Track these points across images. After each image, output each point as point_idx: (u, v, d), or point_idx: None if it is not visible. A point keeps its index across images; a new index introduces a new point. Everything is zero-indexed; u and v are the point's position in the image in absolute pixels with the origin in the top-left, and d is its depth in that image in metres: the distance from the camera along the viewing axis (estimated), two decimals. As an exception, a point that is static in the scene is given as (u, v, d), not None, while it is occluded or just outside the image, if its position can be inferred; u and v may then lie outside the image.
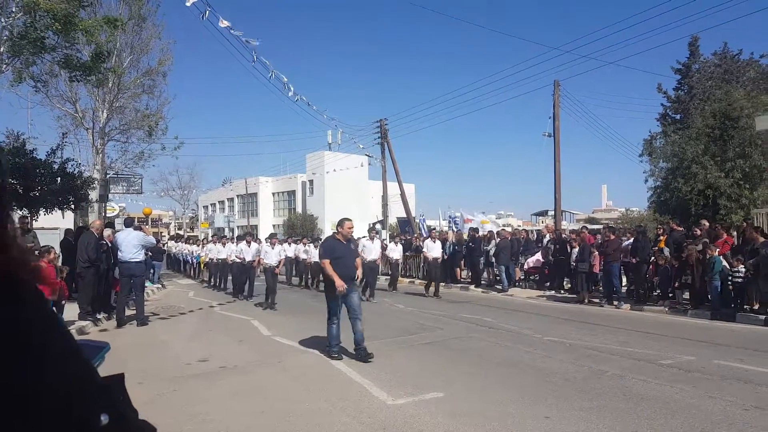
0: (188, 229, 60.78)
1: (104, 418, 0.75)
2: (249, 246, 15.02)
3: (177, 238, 33.24)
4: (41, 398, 0.68)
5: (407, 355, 7.49)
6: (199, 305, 13.77)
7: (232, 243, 17.40)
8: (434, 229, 19.05)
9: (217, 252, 17.90)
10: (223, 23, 13.27)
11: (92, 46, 13.42)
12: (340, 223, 7.54)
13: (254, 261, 14.68)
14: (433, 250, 15.27)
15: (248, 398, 5.58)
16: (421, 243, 19.05)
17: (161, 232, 74.07)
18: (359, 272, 7.53)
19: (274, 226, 47.07)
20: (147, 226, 13.30)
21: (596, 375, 6.17)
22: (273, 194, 53.59)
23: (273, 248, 13.68)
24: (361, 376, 6.31)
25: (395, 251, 17.95)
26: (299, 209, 48.89)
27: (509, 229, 19.21)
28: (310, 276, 18.23)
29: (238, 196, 55.23)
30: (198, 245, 24.20)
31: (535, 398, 5.32)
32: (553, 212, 24.73)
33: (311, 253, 17.34)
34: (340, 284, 6.95)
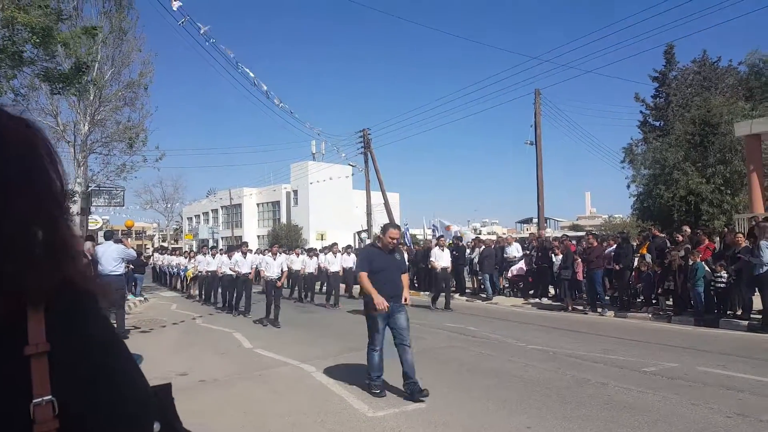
0: (172, 241, 60.11)
1: (157, 426, 0.78)
2: (245, 257, 13.96)
3: (162, 250, 32.33)
4: (99, 401, 0.72)
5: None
6: (182, 318, 13.54)
7: (223, 254, 16.40)
8: (442, 236, 17.75)
9: (206, 264, 16.78)
10: (203, 29, 13.23)
11: (72, 58, 13.26)
12: (384, 230, 6.15)
13: (250, 273, 13.70)
14: (441, 258, 14.17)
15: (228, 412, 5.45)
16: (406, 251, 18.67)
17: (145, 245, 73.28)
18: (406, 293, 6.04)
19: (258, 236, 46.81)
20: (128, 239, 12.99)
21: (579, 383, 6.13)
22: (257, 205, 53.30)
23: (275, 259, 12.52)
24: (341, 388, 6.22)
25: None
26: (284, 219, 48.65)
27: (493, 237, 19.25)
28: (305, 288, 17.31)
29: (222, 207, 54.83)
30: (186, 257, 23.03)
31: (518, 408, 5.26)
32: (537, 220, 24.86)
33: (307, 263, 16.80)
34: (379, 301, 5.62)
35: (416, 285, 17.88)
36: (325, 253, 17.61)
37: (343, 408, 5.48)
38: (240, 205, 52.16)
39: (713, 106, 21.78)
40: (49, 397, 0.67)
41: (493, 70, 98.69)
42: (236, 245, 15.95)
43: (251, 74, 16.60)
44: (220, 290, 15.58)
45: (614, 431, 4.54)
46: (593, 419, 4.87)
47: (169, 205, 55.33)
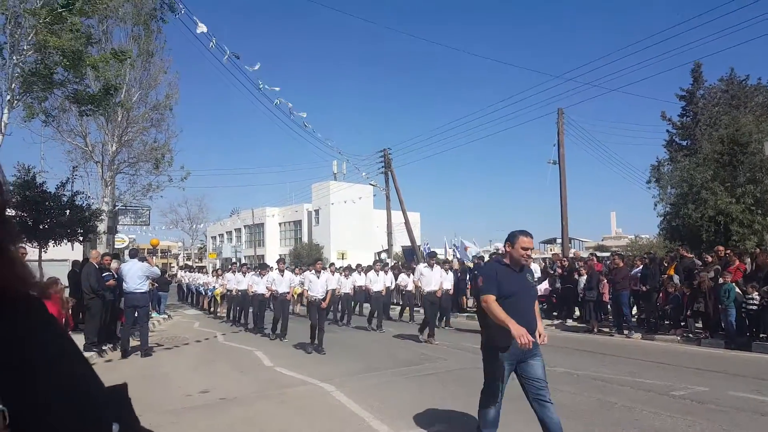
0: (197, 260, 60.91)
1: (116, 428, 0.76)
2: (282, 275, 12.79)
3: (188, 268, 32.51)
4: (52, 406, 0.70)
5: (409, 386, 7.30)
6: (204, 336, 13.64)
7: (254, 272, 15.48)
8: (435, 254, 16.94)
9: (236, 282, 15.85)
10: (227, 55, 13.53)
11: (101, 81, 13.72)
12: (513, 239, 4.33)
13: (288, 293, 12.73)
14: (431, 282, 11.94)
15: (247, 431, 5.43)
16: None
17: (170, 263, 74.41)
18: (540, 326, 4.33)
19: (280, 255, 47.09)
20: (152, 257, 13.12)
21: (605, 407, 5.96)
22: (279, 224, 53.80)
23: (318, 277, 10.99)
24: (362, 408, 6.14)
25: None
26: (305, 239, 48.95)
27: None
28: (339, 310, 16.26)
29: (245, 226, 55.50)
30: (213, 275, 21.98)
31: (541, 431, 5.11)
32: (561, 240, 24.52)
33: (343, 283, 15.53)
34: (521, 333, 3.88)
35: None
36: (362, 272, 17.29)
37: (363, 429, 5.41)
38: (263, 224, 52.74)
39: (742, 124, 21.33)
40: (1, 407, 0.66)
41: (516, 89, 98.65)
42: (263, 264, 15.74)
43: (276, 89, 16.87)
44: (252, 311, 14.79)
45: (642, 457, 4.38)
46: (620, 444, 4.71)
47: (193, 225, 56.24)
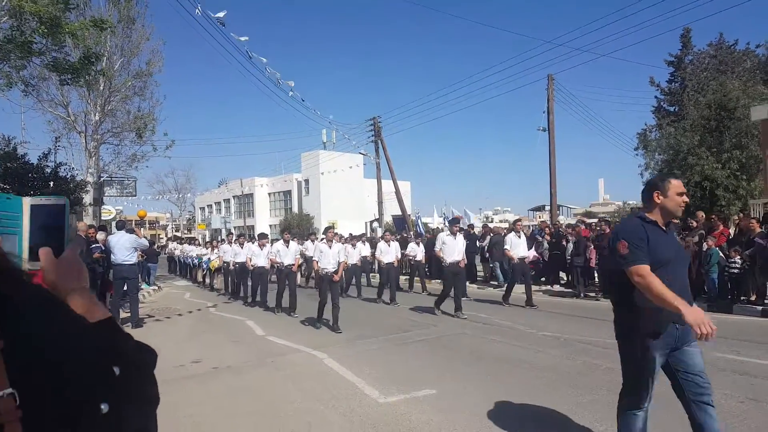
0: (185, 231, 60.68)
1: (104, 407, 0.77)
2: (287, 246, 11.93)
3: (178, 239, 31.88)
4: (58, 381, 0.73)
5: (400, 352, 7.43)
6: (196, 306, 13.72)
7: (252, 243, 14.49)
8: (458, 220, 13.50)
9: (233, 254, 14.96)
10: (219, 15, 13.21)
11: (81, 49, 13.35)
12: (662, 184, 3.23)
13: (294, 265, 11.92)
14: (454, 251, 10.77)
15: (240, 399, 5.52)
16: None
17: (158, 234, 73.94)
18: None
19: (270, 226, 47.06)
20: (140, 229, 12.99)
21: (590, 369, 6.12)
22: (269, 194, 53.55)
23: (330, 248, 9.95)
24: (353, 374, 6.26)
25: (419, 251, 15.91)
26: (295, 209, 48.85)
27: (505, 225, 19.13)
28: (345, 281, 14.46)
29: (234, 197, 55.19)
30: (208, 247, 20.99)
31: (528, 393, 5.27)
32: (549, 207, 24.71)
33: (350, 253, 14.36)
34: (699, 320, 2.95)
35: (428, 273, 17.76)
36: (366, 241, 17.02)
37: (355, 393, 5.52)
38: (252, 194, 52.46)
39: (730, 90, 21.36)
40: (10, 390, 0.68)
41: (506, 55, 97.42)
42: (262, 234, 14.10)
43: (264, 60, 16.51)
44: (251, 284, 13.90)
45: (625, 416, 4.52)
46: (603, 404, 4.85)
47: (181, 195, 55.84)
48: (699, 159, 20.81)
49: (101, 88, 17.71)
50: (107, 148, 19.90)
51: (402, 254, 15.70)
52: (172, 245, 29.12)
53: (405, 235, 21.66)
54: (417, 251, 15.87)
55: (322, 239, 10.43)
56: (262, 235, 13.85)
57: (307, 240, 17.45)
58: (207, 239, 31.57)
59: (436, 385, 5.69)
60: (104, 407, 0.77)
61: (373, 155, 28.04)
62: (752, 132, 19.67)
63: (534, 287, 14.79)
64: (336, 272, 9.71)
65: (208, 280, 19.36)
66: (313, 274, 15.04)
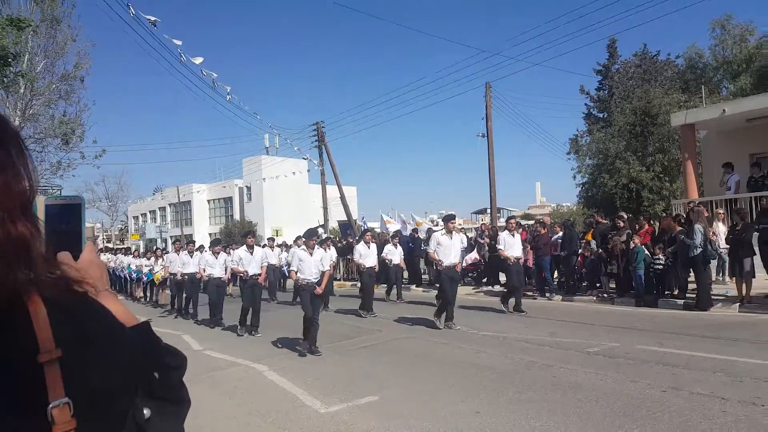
0: (118, 242, 57.94)
1: (147, 412, 0.79)
2: (251, 252, 10.49)
3: (112, 250, 29.63)
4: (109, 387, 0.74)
5: (344, 360, 7.39)
6: (129, 321, 13.08)
7: (207, 251, 12.79)
8: (454, 216, 12.11)
9: (181, 264, 13.16)
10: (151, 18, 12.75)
11: (-2, 49, 12.51)
12: None
13: (260, 275, 10.51)
14: (450, 253, 9.60)
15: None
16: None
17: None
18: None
19: (210, 234, 45.70)
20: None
21: (527, 367, 6.31)
22: (208, 201, 52.01)
23: (312, 255, 8.49)
24: (294, 385, 6.16)
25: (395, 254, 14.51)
26: (237, 216, 47.71)
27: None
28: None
29: (170, 204, 53.19)
30: (150, 257, 18.66)
31: (468, 394, 5.36)
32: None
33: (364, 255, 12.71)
34: None
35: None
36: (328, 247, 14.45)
37: (295, 406, 5.44)
38: (189, 202, 50.75)
39: (652, 97, 22.75)
40: (66, 399, 0.69)
41: (446, 62, 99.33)
42: (216, 240, 13.25)
43: (197, 62, 16.05)
44: (209, 299, 11.91)
45: (558, 411, 4.69)
46: (539, 401, 5.02)
47: (112, 204, 53.29)
48: (626, 163, 22.03)
49: (21, 90, 16.66)
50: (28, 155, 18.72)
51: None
52: (104, 257, 27.25)
53: (351, 240, 21.62)
54: (394, 254, 14.40)
55: (301, 246, 9.08)
56: (216, 242, 12.86)
57: (294, 246, 16.03)
58: (142, 250, 30.17)
59: (380, 391, 5.69)
60: (147, 412, 0.79)
61: (317, 160, 27.83)
62: (673, 137, 21.03)
63: (474, 288, 15.16)
64: (319, 283, 8.33)
65: (149, 295, 17.84)
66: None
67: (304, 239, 9.13)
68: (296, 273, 8.41)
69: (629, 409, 4.61)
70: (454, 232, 9.80)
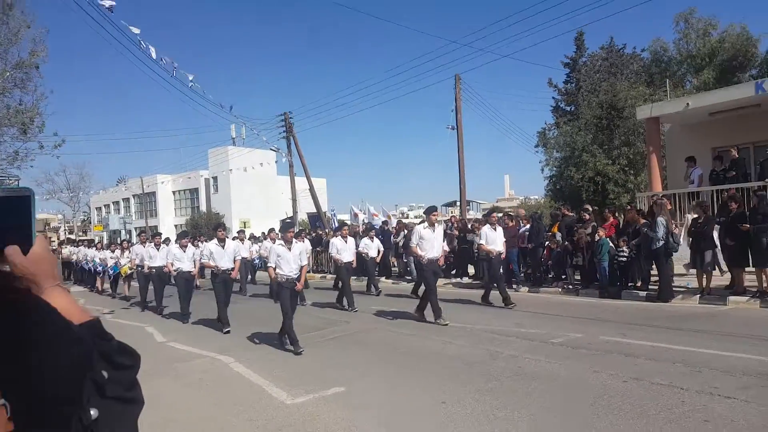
0: (80, 233, 56.28)
1: (94, 413, 0.77)
2: (223, 246, 9.81)
3: (75, 242, 28.19)
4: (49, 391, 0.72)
5: (311, 351, 7.32)
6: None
7: (174, 245, 12.04)
8: (436, 208, 11.39)
9: (149, 257, 12.66)
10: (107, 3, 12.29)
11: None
12: None
13: (234, 270, 9.88)
14: (434, 246, 9.25)
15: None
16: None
17: (50, 237, 67.86)
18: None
19: (176, 226, 44.77)
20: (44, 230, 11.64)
21: (493, 357, 6.36)
22: (173, 193, 50.91)
23: (290, 250, 7.96)
24: (260, 377, 6.08)
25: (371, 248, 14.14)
26: (203, 208, 46.88)
27: (417, 221, 19.39)
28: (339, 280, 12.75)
29: (134, 195, 51.89)
30: (115, 249, 17.62)
31: (435, 385, 5.38)
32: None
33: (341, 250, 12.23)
34: None
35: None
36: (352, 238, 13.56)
37: (261, 397, 5.36)
38: (154, 193, 49.60)
39: (618, 91, 23.17)
40: (2, 401, 0.67)
41: (416, 53, 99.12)
42: (183, 232, 12.64)
43: (153, 50, 15.51)
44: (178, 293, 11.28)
45: (522, 401, 4.74)
46: (503, 390, 5.06)
47: (74, 195, 51.69)
48: (592, 156, 22.43)
49: (-26, 78, 15.94)
50: (-18, 146, 17.96)
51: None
52: (67, 249, 25.95)
53: (320, 232, 21.49)
54: (370, 247, 14.11)
55: (278, 241, 8.52)
56: (183, 234, 12.22)
57: (266, 240, 15.55)
58: (105, 242, 29.23)
59: (347, 382, 5.66)
60: (94, 413, 0.77)
61: (285, 151, 27.50)
62: (638, 130, 21.47)
63: (444, 280, 15.21)
64: (299, 279, 7.97)
65: (113, 289, 17.07)
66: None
67: (280, 233, 8.70)
68: (274, 269, 7.87)
69: (591, 399, 4.69)
70: (436, 225, 9.49)
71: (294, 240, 8.19)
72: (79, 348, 0.78)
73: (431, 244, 9.11)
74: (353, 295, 11.39)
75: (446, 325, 8.55)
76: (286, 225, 8.63)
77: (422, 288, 10.42)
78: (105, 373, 0.81)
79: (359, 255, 13.62)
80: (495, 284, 10.65)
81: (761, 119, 13.90)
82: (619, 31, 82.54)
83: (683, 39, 28.62)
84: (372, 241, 14.31)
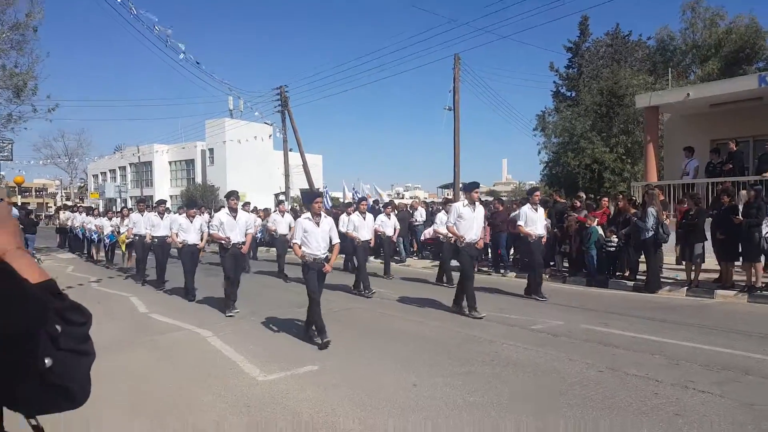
0: (77, 200, 56.11)
1: (48, 361, 0.85)
2: (234, 217, 8.66)
3: (72, 208, 27.01)
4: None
5: (289, 329, 7.28)
6: (77, 281, 12.68)
7: (179, 214, 11.10)
8: (478, 185, 9.24)
9: (150, 226, 11.69)
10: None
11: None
12: None
13: (245, 244, 8.87)
14: (472, 227, 8.19)
15: (110, 381, 5.09)
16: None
17: (47, 203, 67.87)
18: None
19: (171, 196, 44.64)
20: (10, 197, 11.51)
21: (469, 341, 6.32)
22: (170, 163, 50.64)
23: (319, 226, 6.75)
24: (235, 352, 6.04)
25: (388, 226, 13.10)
26: (198, 179, 46.66)
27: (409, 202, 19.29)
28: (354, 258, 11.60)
29: (130, 164, 51.62)
30: (114, 217, 16.70)
31: (408, 366, 5.34)
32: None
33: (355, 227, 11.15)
34: None
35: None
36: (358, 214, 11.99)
37: (233, 373, 5.32)
38: (150, 162, 49.30)
39: (620, 78, 22.88)
40: None
41: (415, 30, 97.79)
42: (190, 201, 12.23)
43: (155, 18, 15.27)
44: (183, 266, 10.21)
45: (494, 385, 4.71)
46: (477, 375, 5.03)
47: (72, 161, 51.41)
48: (590, 143, 22.25)
49: (-33, 38, 15.68)
50: (-23, 108, 17.79)
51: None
52: (64, 215, 24.66)
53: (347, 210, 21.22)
54: (387, 225, 13.03)
55: (304, 215, 7.07)
56: (191, 204, 11.37)
57: (274, 212, 14.16)
58: (101, 209, 28.90)
59: (320, 360, 5.63)
60: (48, 361, 0.85)
61: (279, 126, 27.23)
62: (638, 119, 21.25)
63: (434, 262, 15.16)
64: (328, 259, 6.79)
65: (107, 259, 16.43)
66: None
67: (305, 205, 7.23)
68: (300, 247, 6.68)
69: (563, 387, 4.65)
70: (477, 204, 8.31)
71: (323, 215, 6.89)
72: (34, 304, 0.86)
73: (470, 225, 8.02)
74: (368, 277, 10.40)
75: (482, 317, 7.60)
76: (310, 196, 7.43)
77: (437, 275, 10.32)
78: (58, 327, 0.88)
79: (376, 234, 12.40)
80: (534, 271, 9.48)
81: (762, 113, 13.74)
82: (626, 17, 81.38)
83: (690, 28, 28.18)
84: (389, 218, 13.20)
